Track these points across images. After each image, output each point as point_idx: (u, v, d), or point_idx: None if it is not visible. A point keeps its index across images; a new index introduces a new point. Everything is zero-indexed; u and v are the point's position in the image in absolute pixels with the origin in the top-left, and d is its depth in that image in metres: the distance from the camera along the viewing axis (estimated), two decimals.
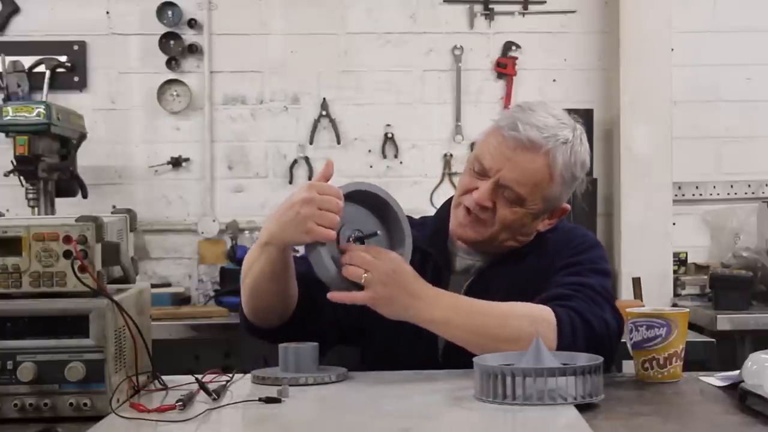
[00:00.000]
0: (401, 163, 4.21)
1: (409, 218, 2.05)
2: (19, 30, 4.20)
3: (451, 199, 2.18)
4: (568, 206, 2.13)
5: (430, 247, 2.14)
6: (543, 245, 2.12)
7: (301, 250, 1.91)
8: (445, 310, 1.86)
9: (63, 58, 4.16)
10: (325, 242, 1.83)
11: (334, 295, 1.85)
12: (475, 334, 1.85)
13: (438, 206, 2.28)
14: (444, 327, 1.88)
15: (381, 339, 2.09)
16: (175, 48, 4.18)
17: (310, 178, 4.20)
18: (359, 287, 1.84)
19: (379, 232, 1.91)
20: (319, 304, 1.97)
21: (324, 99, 4.21)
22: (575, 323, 1.88)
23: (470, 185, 2.06)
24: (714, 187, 4.23)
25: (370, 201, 1.93)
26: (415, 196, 4.13)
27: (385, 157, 4.20)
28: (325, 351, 1.97)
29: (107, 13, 4.21)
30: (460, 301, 1.90)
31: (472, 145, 4.16)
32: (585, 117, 4.09)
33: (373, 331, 2.09)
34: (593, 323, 1.90)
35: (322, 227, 1.79)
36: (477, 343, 1.84)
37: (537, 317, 1.86)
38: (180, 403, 1.62)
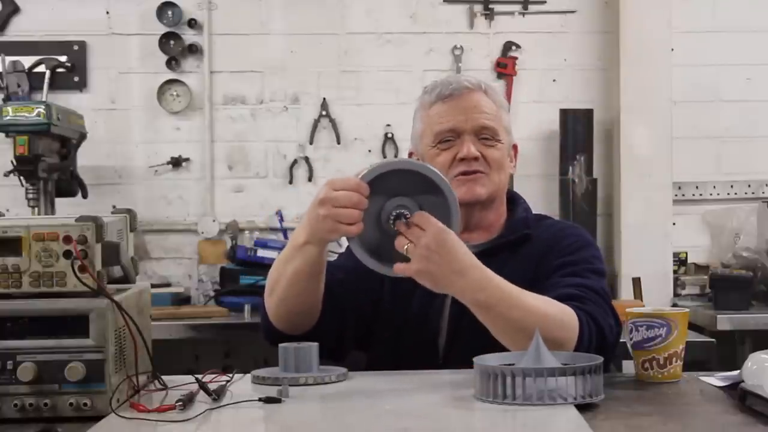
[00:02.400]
0: None
1: None
2: (19, 30, 4.20)
3: None
4: (517, 142, 2.28)
5: None
6: (535, 238, 2.13)
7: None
8: (489, 296, 1.82)
9: (63, 58, 4.16)
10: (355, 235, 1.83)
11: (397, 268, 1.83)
12: (511, 326, 1.83)
13: None
14: (484, 312, 1.84)
15: (385, 341, 2.09)
16: (175, 48, 4.18)
17: (310, 179, 4.20)
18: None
19: (421, 207, 1.84)
20: (341, 307, 2.01)
21: (324, 99, 4.21)
22: (591, 329, 1.90)
23: (449, 157, 2.11)
24: (714, 187, 4.23)
25: (408, 177, 1.85)
26: None
27: (385, 157, 4.20)
28: (344, 356, 1.97)
29: (107, 13, 4.21)
30: (503, 288, 1.85)
31: None
32: (585, 117, 4.10)
33: (379, 333, 2.09)
34: (605, 330, 1.93)
35: (343, 224, 1.79)
36: (511, 334, 1.83)
37: (567, 322, 1.86)
38: (180, 403, 1.62)
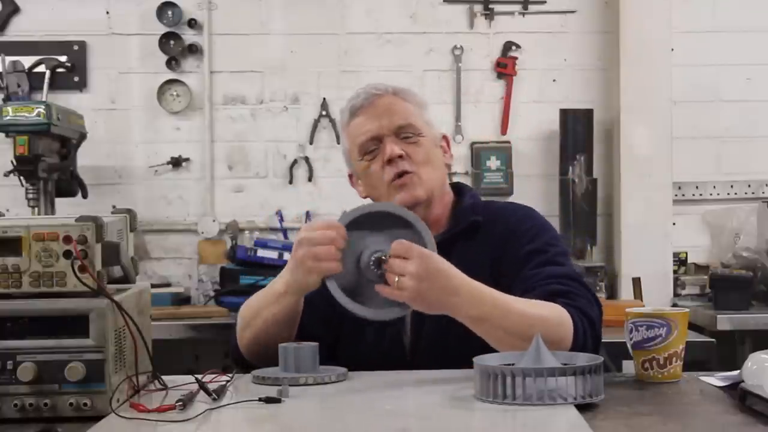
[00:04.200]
0: None
1: None
2: (19, 30, 4.20)
3: None
4: (446, 133, 2.33)
5: None
6: (488, 224, 2.15)
7: None
8: (482, 308, 1.84)
9: (63, 58, 4.16)
10: (333, 276, 1.86)
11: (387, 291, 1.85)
12: (508, 333, 1.85)
13: None
14: (479, 324, 1.86)
15: (351, 343, 2.11)
16: (175, 48, 4.18)
17: (310, 179, 4.20)
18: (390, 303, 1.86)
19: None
20: (312, 332, 2.05)
21: (324, 99, 4.21)
22: (585, 325, 1.92)
23: (378, 165, 2.14)
24: (714, 187, 4.23)
25: (381, 220, 1.92)
26: None
27: None
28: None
29: (107, 13, 4.21)
30: (496, 298, 1.87)
31: (472, 145, 4.17)
32: (585, 117, 4.10)
33: (345, 335, 2.11)
34: (595, 322, 1.96)
35: (323, 263, 1.84)
36: (508, 341, 1.84)
37: (561, 320, 1.89)
38: (180, 403, 1.62)
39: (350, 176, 2.26)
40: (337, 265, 1.85)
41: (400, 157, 2.11)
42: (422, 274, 1.79)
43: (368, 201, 2.20)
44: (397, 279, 1.81)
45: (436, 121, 2.27)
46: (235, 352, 2.12)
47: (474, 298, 1.84)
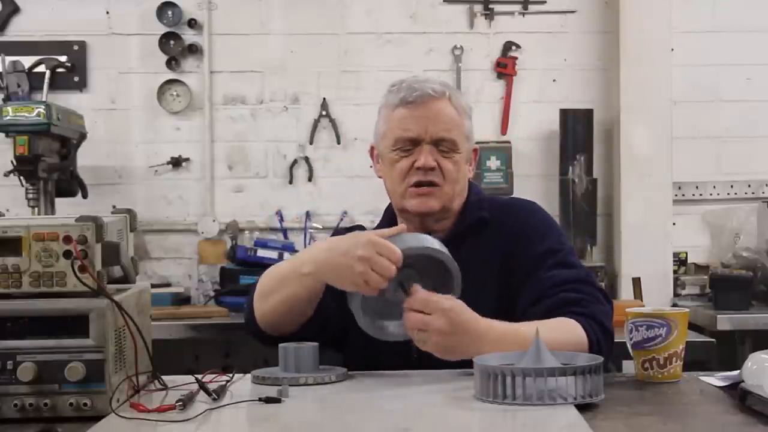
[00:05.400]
0: None
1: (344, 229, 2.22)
2: (19, 30, 4.20)
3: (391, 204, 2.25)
4: (477, 146, 2.28)
5: None
6: (495, 222, 2.16)
7: None
8: (507, 347, 1.82)
9: (63, 58, 4.16)
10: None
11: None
12: None
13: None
14: None
15: (359, 341, 2.10)
16: (175, 48, 4.18)
17: (310, 179, 4.20)
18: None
19: (423, 270, 1.91)
20: (323, 314, 2.05)
21: (324, 99, 4.21)
22: (597, 332, 1.95)
23: (407, 164, 2.13)
24: (714, 187, 4.23)
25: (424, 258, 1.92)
26: None
27: None
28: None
29: (107, 13, 4.21)
30: (519, 335, 1.85)
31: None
32: (585, 117, 4.10)
33: (353, 334, 2.11)
34: (606, 325, 1.98)
35: (373, 276, 1.83)
36: None
37: (578, 340, 1.91)
38: (180, 403, 1.62)
39: (372, 149, 2.25)
40: (377, 291, 1.85)
41: (431, 168, 2.11)
42: (446, 330, 1.80)
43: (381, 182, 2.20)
44: (417, 333, 1.81)
45: (475, 130, 2.26)
46: (252, 324, 2.10)
47: (499, 341, 1.84)
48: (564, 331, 1.92)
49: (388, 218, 2.26)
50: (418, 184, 2.12)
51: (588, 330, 1.93)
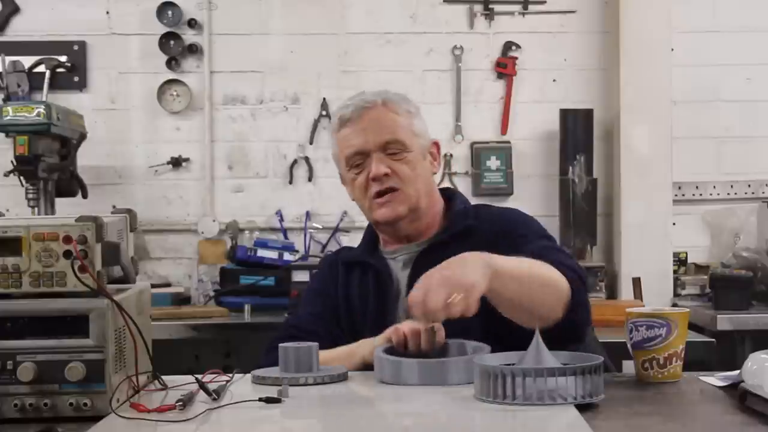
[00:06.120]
0: None
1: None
2: (19, 30, 4.20)
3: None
4: (437, 139, 2.29)
5: (366, 257, 2.23)
6: (480, 230, 2.16)
7: None
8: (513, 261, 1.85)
9: (63, 58, 4.16)
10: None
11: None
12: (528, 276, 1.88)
13: None
14: (516, 280, 1.86)
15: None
16: (175, 48, 4.18)
17: (310, 179, 4.20)
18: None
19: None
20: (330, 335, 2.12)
21: (324, 99, 4.21)
22: (567, 272, 1.94)
23: (364, 179, 2.15)
24: (714, 187, 4.23)
25: None
26: None
27: None
28: None
29: (107, 13, 4.22)
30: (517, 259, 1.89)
31: (472, 145, 4.17)
32: (585, 117, 4.10)
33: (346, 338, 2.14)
34: (575, 266, 1.99)
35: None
36: (530, 289, 1.87)
37: (559, 277, 1.92)
38: (180, 403, 1.62)
39: (341, 176, 2.28)
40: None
41: (386, 175, 2.13)
42: (442, 273, 1.76)
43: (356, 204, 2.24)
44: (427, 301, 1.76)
45: (429, 125, 2.26)
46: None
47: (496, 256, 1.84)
48: (550, 268, 1.92)
49: (370, 235, 2.28)
50: (378, 194, 2.14)
51: (564, 272, 1.93)
